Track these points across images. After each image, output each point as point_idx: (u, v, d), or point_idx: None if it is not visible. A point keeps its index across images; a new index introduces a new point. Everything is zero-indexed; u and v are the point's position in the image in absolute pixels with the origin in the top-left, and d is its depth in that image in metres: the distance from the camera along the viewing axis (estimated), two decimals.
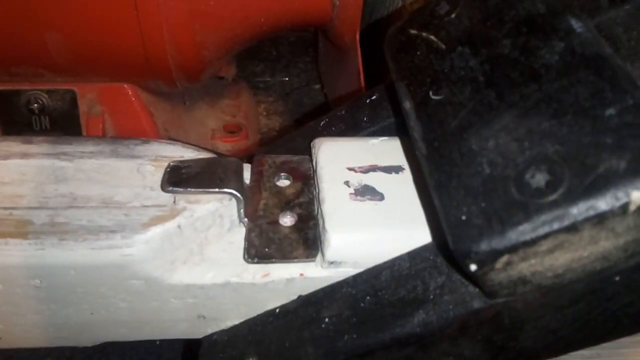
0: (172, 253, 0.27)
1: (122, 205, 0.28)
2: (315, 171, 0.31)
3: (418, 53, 0.29)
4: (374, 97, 0.35)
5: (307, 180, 0.31)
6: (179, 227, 0.27)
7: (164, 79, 0.54)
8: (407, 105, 0.28)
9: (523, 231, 0.20)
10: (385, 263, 0.26)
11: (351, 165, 0.30)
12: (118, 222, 0.27)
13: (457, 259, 0.21)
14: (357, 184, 0.29)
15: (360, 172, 0.30)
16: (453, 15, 0.29)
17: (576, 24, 0.24)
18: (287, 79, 0.89)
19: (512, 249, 0.20)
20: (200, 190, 0.28)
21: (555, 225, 0.20)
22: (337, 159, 0.30)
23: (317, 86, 0.87)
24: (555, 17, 0.25)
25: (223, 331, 0.29)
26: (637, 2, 0.27)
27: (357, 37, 0.60)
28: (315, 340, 0.26)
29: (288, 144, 0.36)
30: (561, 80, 0.23)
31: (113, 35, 0.50)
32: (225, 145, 0.66)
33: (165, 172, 0.29)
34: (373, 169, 0.30)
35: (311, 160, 0.32)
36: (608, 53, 0.22)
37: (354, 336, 0.25)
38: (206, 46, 0.52)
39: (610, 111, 0.21)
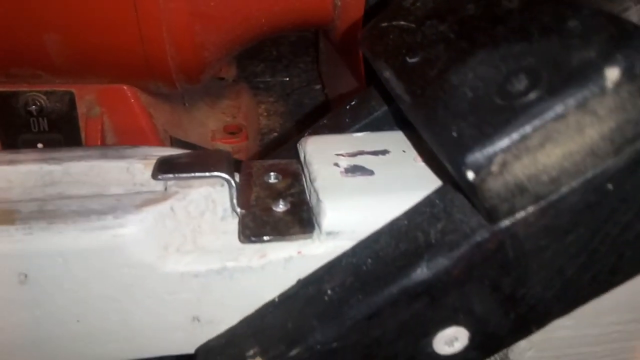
0: (165, 237, 0.27)
1: (113, 198, 0.27)
2: (304, 164, 0.31)
3: (391, 37, 0.31)
4: (353, 103, 0.37)
5: (296, 176, 0.31)
6: (172, 209, 0.27)
7: (163, 80, 0.53)
8: (387, 74, 0.29)
9: (513, 128, 0.21)
10: (382, 228, 0.27)
11: (339, 152, 0.31)
12: (110, 205, 0.26)
13: (455, 171, 0.22)
14: (346, 165, 0.30)
15: (349, 156, 0.30)
16: (418, 4, 0.31)
17: None
18: (287, 79, 0.88)
19: (505, 147, 0.21)
20: (192, 175, 0.28)
21: (542, 115, 0.21)
22: (324, 149, 0.31)
23: (318, 86, 0.87)
24: None
25: (219, 336, 0.29)
26: None
27: (359, 37, 0.59)
28: (320, 314, 0.25)
29: (274, 157, 0.37)
30: (523, 15, 0.25)
31: (112, 36, 0.49)
32: (225, 146, 0.65)
33: (155, 164, 0.28)
34: (360, 153, 0.31)
35: (299, 159, 0.32)
36: None
37: (360, 297, 0.25)
38: (206, 47, 0.52)
39: (572, 22, 0.23)
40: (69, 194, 0.28)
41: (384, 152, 0.31)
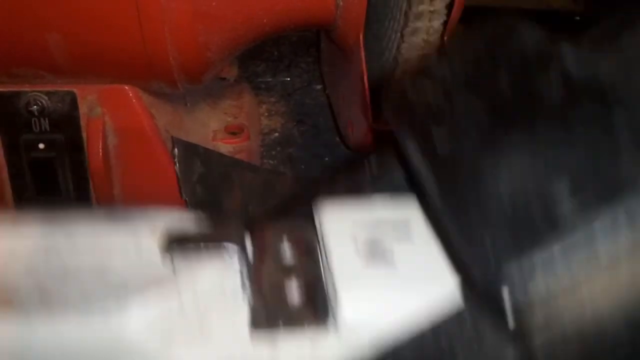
0: (171, 327, 0.25)
1: (118, 276, 0.26)
2: (319, 234, 0.29)
3: (416, 106, 0.29)
4: (373, 160, 0.35)
5: (311, 244, 0.30)
6: (179, 296, 0.26)
7: (165, 80, 0.53)
8: (411, 147, 0.27)
9: (555, 245, 0.19)
10: (405, 335, 0.25)
11: (357, 223, 0.29)
12: (114, 291, 0.25)
13: (487, 284, 0.21)
14: (365, 246, 0.28)
15: (367, 233, 0.29)
16: (446, 66, 0.29)
17: (569, 55, 0.25)
18: (288, 79, 0.88)
19: (545, 264, 0.19)
20: (202, 253, 0.27)
21: (588, 233, 0.19)
22: (341, 219, 0.29)
23: (319, 87, 0.87)
24: (546, 51, 0.25)
25: None
26: (625, 42, 0.27)
27: (361, 37, 0.59)
28: None
29: (287, 210, 0.36)
30: (565, 106, 0.23)
31: (114, 36, 0.49)
32: (227, 147, 0.65)
33: (164, 239, 0.27)
34: (380, 228, 0.29)
35: (314, 224, 0.31)
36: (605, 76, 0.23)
37: None
38: (208, 47, 0.52)
39: (621, 122, 0.21)
40: (73, 267, 0.26)
41: (405, 227, 0.29)
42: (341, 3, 0.57)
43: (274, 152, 0.75)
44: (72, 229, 0.28)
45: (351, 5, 0.57)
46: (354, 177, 0.35)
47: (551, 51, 0.25)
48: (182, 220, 0.30)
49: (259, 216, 0.38)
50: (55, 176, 0.56)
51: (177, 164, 0.56)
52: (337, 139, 0.78)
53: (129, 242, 0.28)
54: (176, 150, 0.57)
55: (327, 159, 0.75)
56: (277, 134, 0.78)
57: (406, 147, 0.28)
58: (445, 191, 0.25)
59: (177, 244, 0.27)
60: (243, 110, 0.72)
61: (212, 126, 0.68)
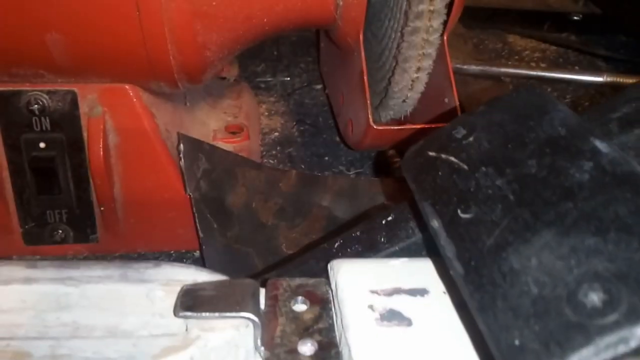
0: None
1: (130, 334, 0.26)
2: (335, 295, 0.29)
3: (440, 173, 0.28)
4: (389, 218, 0.34)
5: (325, 304, 0.29)
6: (191, 359, 0.25)
7: (166, 79, 0.53)
8: (435, 224, 0.27)
9: (586, 355, 0.19)
10: None
11: (374, 288, 0.28)
12: (126, 353, 0.25)
13: None
14: (382, 309, 0.27)
15: (384, 295, 0.28)
16: (471, 139, 0.28)
17: (601, 144, 0.24)
18: (288, 79, 0.88)
19: None
20: (216, 315, 0.26)
21: (621, 348, 0.18)
22: (358, 282, 0.29)
23: (319, 86, 0.87)
24: (578, 138, 0.25)
25: None
26: None
27: (361, 37, 0.59)
28: None
29: (301, 266, 0.35)
30: (596, 197, 0.22)
31: (114, 36, 0.49)
32: (226, 146, 0.65)
33: (178, 297, 0.27)
34: (397, 291, 0.28)
35: (329, 284, 0.30)
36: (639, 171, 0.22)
37: None
38: (208, 47, 0.52)
39: None
40: (83, 324, 0.26)
41: (422, 293, 0.29)
42: (341, 3, 0.57)
43: (273, 152, 0.75)
44: (84, 280, 0.28)
45: (351, 5, 0.57)
46: (366, 239, 0.34)
47: (583, 144, 0.24)
48: (197, 274, 0.29)
49: (274, 271, 0.36)
50: (55, 175, 0.56)
51: (182, 160, 0.56)
52: (337, 138, 0.78)
53: (141, 298, 0.27)
54: (182, 145, 0.57)
55: (327, 158, 0.76)
56: (276, 134, 0.79)
57: (428, 218, 0.28)
58: (466, 261, 0.24)
59: (191, 302, 0.26)
60: (243, 110, 0.72)
61: (212, 126, 0.68)
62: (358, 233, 0.35)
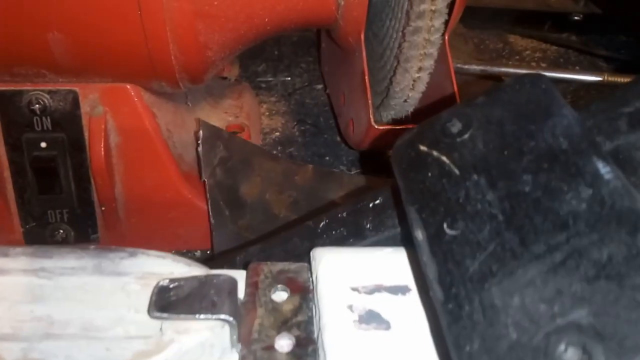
0: None
1: (104, 333, 0.25)
2: (315, 286, 0.29)
3: (429, 175, 0.27)
4: (377, 202, 0.33)
5: (305, 293, 0.29)
6: (165, 356, 0.25)
7: (167, 79, 0.53)
8: (420, 235, 0.26)
9: None
10: None
11: (355, 285, 0.28)
12: (99, 358, 0.24)
13: None
14: (361, 309, 0.27)
15: (365, 292, 0.28)
16: (466, 136, 0.27)
17: (603, 169, 0.23)
18: (289, 79, 0.88)
19: None
20: (191, 316, 0.26)
21: None
22: (339, 276, 0.28)
23: (320, 86, 0.87)
24: (579, 156, 0.23)
25: None
26: None
27: (362, 37, 0.59)
28: None
29: (285, 244, 0.33)
30: (591, 234, 0.21)
31: (116, 36, 0.49)
32: None
33: (153, 294, 0.26)
34: (378, 289, 0.28)
35: (310, 271, 0.30)
36: None
37: None
38: (210, 46, 0.52)
39: None
40: (58, 319, 0.25)
41: (404, 291, 0.28)
42: (342, 2, 0.57)
43: (274, 152, 0.75)
44: (57, 272, 0.27)
45: (352, 5, 0.57)
46: (352, 223, 0.33)
47: (584, 164, 0.23)
48: (173, 266, 0.29)
49: (259, 244, 0.36)
50: (56, 175, 0.56)
51: (201, 146, 0.57)
52: (338, 138, 0.78)
53: (116, 291, 0.27)
54: (201, 132, 0.57)
55: (327, 158, 0.76)
56: (277, 134, 0.79)
57: (413, 226, 0.27)
58: (446, 285, 0.23)
59: (166, 302, 0.26)
60: (244, 110, 0.72)
61: None
62: (344, 214, 0.34)
